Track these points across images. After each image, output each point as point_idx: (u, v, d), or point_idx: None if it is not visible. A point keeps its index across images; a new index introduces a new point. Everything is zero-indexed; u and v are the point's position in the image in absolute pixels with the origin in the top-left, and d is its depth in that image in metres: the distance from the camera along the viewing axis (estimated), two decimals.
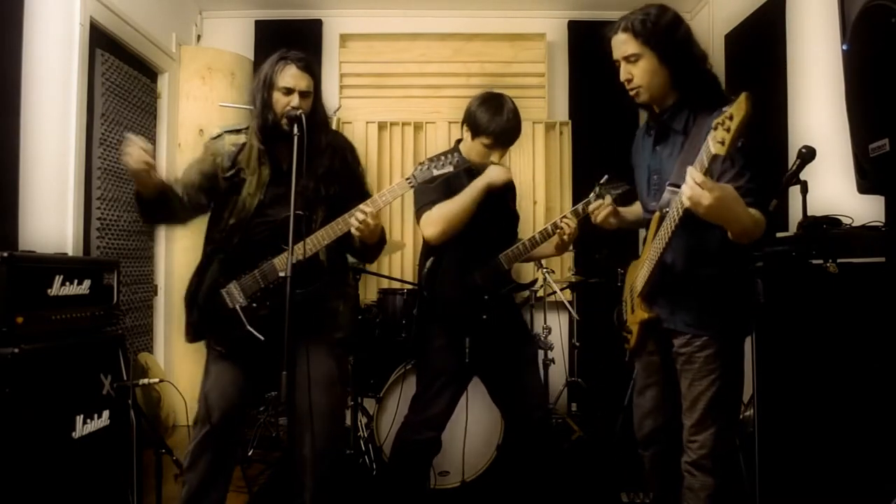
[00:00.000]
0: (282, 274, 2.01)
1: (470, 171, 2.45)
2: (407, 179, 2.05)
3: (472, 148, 2.40)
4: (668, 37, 1.78)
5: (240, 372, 2.14)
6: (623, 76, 1.85)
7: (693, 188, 1.51)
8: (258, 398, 2.45)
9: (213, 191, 2.16)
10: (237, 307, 2.07)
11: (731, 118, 1.43)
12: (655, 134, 1.97)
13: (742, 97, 1.40)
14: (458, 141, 2.51)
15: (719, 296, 1.84)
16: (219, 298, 2.10)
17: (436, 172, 2.05)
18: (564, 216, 2.35)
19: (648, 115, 1.99)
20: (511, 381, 2.46)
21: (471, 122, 2.37)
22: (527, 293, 3.70)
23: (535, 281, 2.39)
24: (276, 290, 2.07)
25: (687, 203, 1.55)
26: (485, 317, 2.35)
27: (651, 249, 1.89)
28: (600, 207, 2.08)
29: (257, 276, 2.08)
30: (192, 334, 2.16)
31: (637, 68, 1.82)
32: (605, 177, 2.42)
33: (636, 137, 2.15)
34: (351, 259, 2.46)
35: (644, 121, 2.10)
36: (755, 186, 1.72)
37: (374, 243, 2.15)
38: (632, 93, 1.87)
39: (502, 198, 2.57)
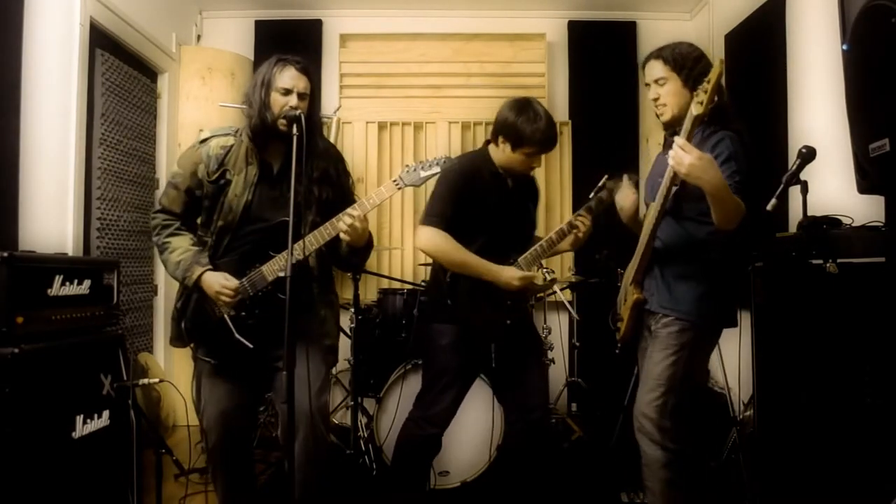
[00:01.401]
0: (279, 275, 2.02)
1: (497, 175, 2.42)
2: (394, 181, 2.04)
3: (511, 158, 2.36)
4: (691, 66, 2.03)
5: (233, 382, 2.15)
6: (652, 96, 2.10)
7: (676, 150, 1.77)
8: (257, 401, 2.46)
9: (199, 201, 2.16)
10: (225, 316, 2.08)
11: (707, 82, 1.72)
12: (666, 145, 2.16)
13: (716, 61, 1.75)
14: (487, 142, 2.48)
15: (700, 285, 2.01)
16: (207, 307, 2.10)
17: (423, 174, 2.03)
18: (580, 214, 2.39)
19: (666, 133, 2.19)
20: (517, 381, 2.46)
21: (511, 133, 2.30)
22: None
23: (553, 282, 2.38)
24: (264, 298, 2.08)
25: (671, 163, 1.79)
26: (509, 322, 2.37)
27: (642, 235, 2.06)
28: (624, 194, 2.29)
29: (245, 285, 2.08)
30: (179, 339, 2.18)
31: (664, 90, 2.07)
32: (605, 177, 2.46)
33: (654, 161, 2.37)
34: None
35: (644, 134, 2.26)
36: (744, 188, 1.91)
37: (361, 248, 2.14)
38: (658, 110, 2.10)
39: (525, 205, 2.56)
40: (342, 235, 2.03)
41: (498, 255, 2.37)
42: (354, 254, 2.17)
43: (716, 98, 1.75)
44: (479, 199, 2.35)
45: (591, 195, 2.46)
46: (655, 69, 2.07)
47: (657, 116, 2.13)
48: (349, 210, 2.01)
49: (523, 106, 2.32)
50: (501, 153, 2.38)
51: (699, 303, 2.00)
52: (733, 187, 1.86)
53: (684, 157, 1.75)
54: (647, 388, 2.04)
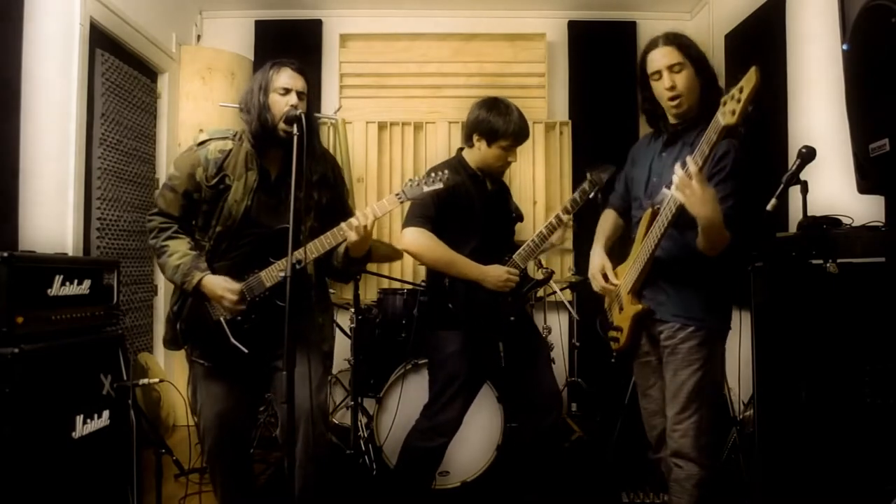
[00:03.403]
0: (281, 277, 2.01)
1: (476, 177, 2.45)
2: (396, 195, 2.04)
3: (487, 155, 2.41)
4: (699, 53, 1.97)
5: (230, 383, 2.15)
6: (667, 84, 1.96)
7: (683, 178, 1.68)
8: (255, 402, 2.46)
9: (196, 204, 2.15)
10: (221, 320, 2.08)
11: (741, 90, 1.55)
12: (666, 140, 2.08)
13: (751, 70, 1.53)
14: (460, 149, 2.52)
15: (705, 289, 1.97)
16: (203, 310, 2.10)
17: (426, 189, 2.02)
18: (562, 210, 2.43)
19: (662, 126, 2.10)
20: (529, 383, 2.46)
21: (485, 129, 2.37)
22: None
23: (551, 275, 2.41)
24: (261, 303, 2.08)
25: (676, 181, 1.70)
26: (512, 318, 2.39)
27: (643, 246, 1.98)
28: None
29: (243, 290, 2.08)
30: (173, 343, 2.18)
31: (680, 77, 1.95)
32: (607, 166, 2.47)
33: (639, 141, 2.28)
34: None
35: (644, 133, 2.24)
36: (733, 214, 1.84)
37: (359, 257, 2.13)
38: (674, 101, 1.97)
39: (506, 205, 2.58)
40: (349, 236, 2.01)
41: (491, 257, 2.39)
42: (350, 263, 2.16)
43: (749, 108, 1.57)
44: (464, 203, 2.38)
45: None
46: (671, 55, 1.94)
47: (669, 110, 2.01)
48: (351, 220, 2.01)
49: (493, 103, 2.41)
50: (477, 152, 2.43)
51: (710, 307, 1.97)
52: (726, 212, 1.79)
53: (689, 187, 1.67)
54: (678, 408, 1.95)
